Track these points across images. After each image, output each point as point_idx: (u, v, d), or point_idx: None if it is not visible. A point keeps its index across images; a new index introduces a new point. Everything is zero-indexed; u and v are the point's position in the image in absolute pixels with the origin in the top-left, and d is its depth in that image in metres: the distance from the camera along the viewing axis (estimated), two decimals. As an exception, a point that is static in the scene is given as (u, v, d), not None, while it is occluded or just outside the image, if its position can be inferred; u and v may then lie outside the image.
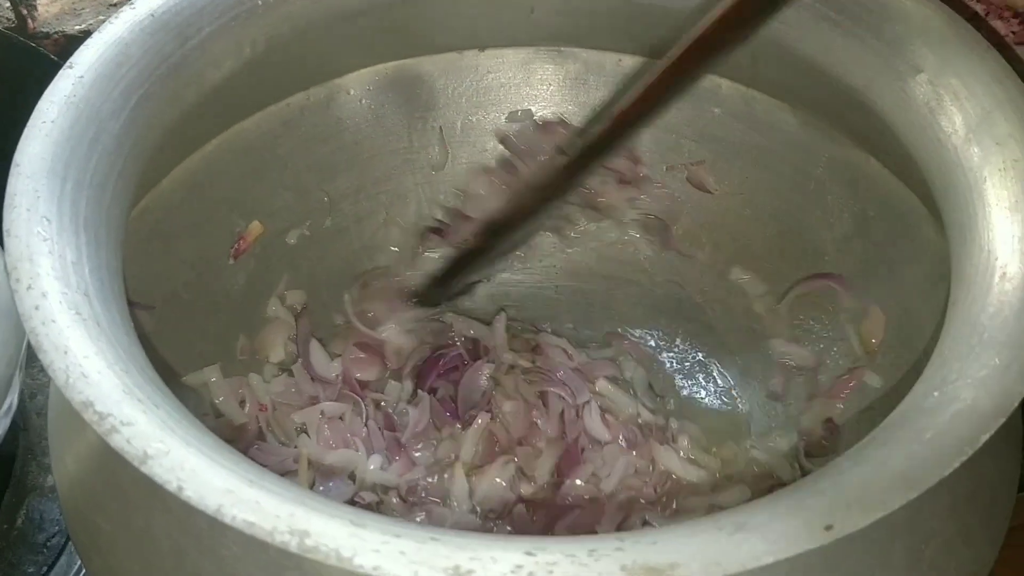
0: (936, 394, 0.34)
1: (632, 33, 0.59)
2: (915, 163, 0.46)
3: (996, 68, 0.43)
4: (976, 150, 0.41)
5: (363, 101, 0.60)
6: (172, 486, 0.30)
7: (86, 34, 0.72)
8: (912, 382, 0.48)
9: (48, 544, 0.55)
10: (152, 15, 0.45)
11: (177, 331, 0.53)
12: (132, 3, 0.46)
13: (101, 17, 0.71)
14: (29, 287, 0.34)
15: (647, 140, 0.62)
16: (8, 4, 0.70)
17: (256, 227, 0.58)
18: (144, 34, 0.45)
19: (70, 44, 0.71)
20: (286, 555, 0.33)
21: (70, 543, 0.55)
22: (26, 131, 0.39)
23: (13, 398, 0.51)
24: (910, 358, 0.51)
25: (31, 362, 0.61)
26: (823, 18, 0.49)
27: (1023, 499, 0.57)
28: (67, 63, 0.42)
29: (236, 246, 0.57)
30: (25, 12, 0.70)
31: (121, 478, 0.38)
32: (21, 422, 0.58)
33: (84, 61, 0.43)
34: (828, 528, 0.29)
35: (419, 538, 0.29)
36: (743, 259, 0.62)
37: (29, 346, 0.60)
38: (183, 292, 0.54)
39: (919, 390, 0.35)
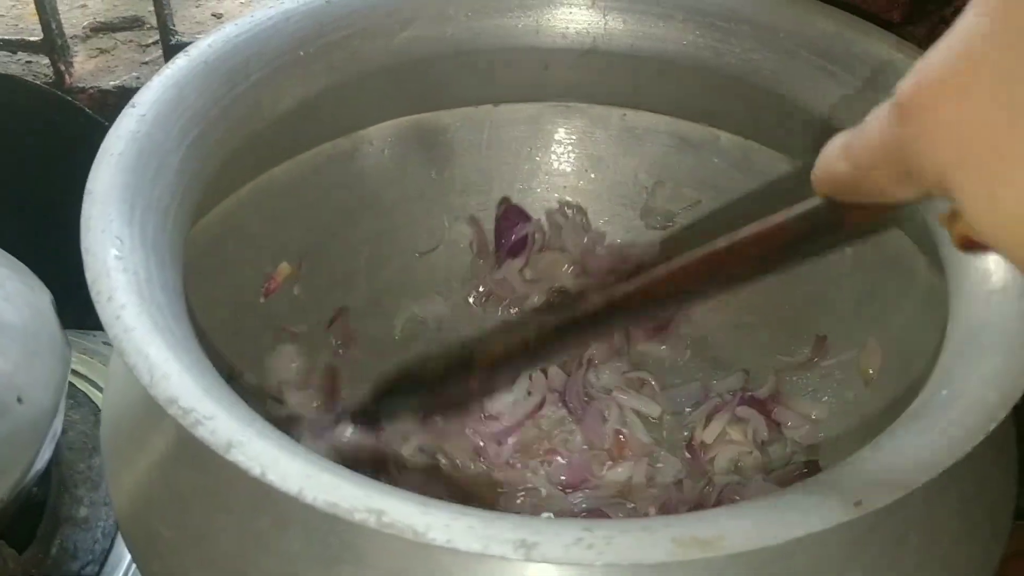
0: (945, 392, 0.37)
1: (638, 89, 0.63)
2: (910, 207, 0.49)
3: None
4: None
5: (385, 152, 0.64)
6: (256, 471, 0.32)
7: (120, 89, 0.77)
8: (909, 401, 0.53)
9: (82, 573, 0.56)
10: (205, 62, 0.49)
11: (215, 363, 0.55)
12: (187, 51, 0.49)
13: (134, 73, 0.75)
14: (109, 299, 0.37)
15: (647, 185, 0.66)
16: (47, 61, 0.73)
17: (285, 268, 0.60)
18: (198, 78, 0.48)
19: (105, 99, 0.75)
20: (347, 549, 0.36)
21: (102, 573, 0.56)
22: (96, 162, 0.43)
23: (58, 425, 0.53)
24: (907, 382, 0.54)
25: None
26: (819, 69, 0.53)
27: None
28: (130, 103, 0.46)
29: (267, 286, 0.60)
30: (63, 68, 0.74)
31: (180, 486, 0.41)
32: (55, 457, 0.60)
33: (145, 101, 0.46)
34: (858, 504, 0.32)
35: (485, 517, 0.32)
36: (743, 301, 0.65)
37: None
38: (219, 328, 0.56)
39: (929, 390, 0.38)
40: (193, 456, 0.40)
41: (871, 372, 0.57)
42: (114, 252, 0.39)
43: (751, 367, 0.64)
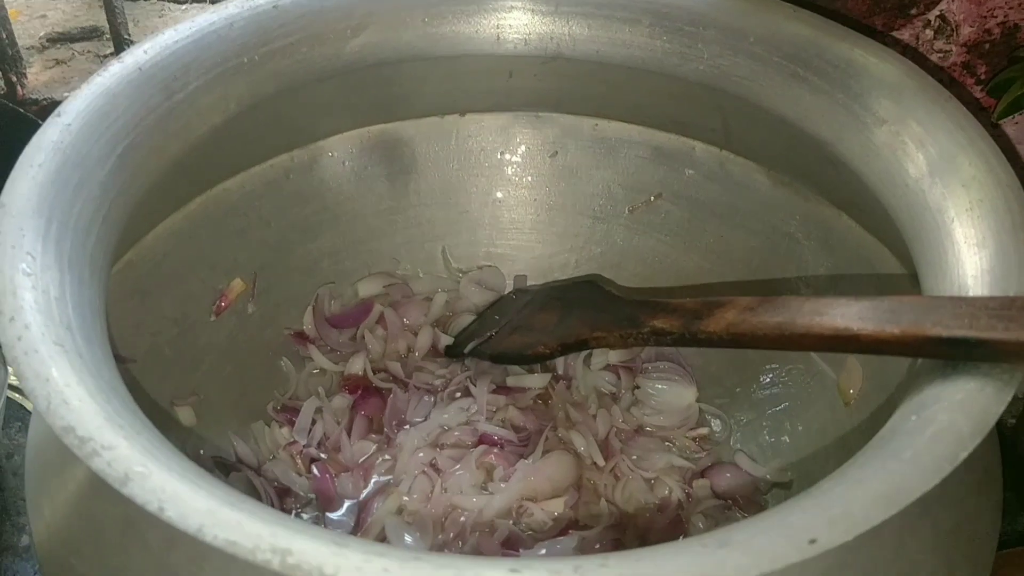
0: (914, 418, 0.34)
1: (608, 98, 0.60)
2: (884, 211, 0.47)
3: (956, 114, 0.45)
4: (942, 192, 0.43)
5: (346, 163, 0.62)
6: (153, 507, 0.29)
7: (73, 101, 0.74)
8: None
9: (19, 605, 0.53)
10: (140, 68, 0.46)
11: (157, 385, 0.52)
12: (120, 57, 0.47)
13: (87, 85, 0.73)
14: (12, 319, 0.34)
15: (620, 198, 0.64)
16: (-1, 72, 0.72)
17: (238, 284, 0.58)
18: (131, 86, 0.46)
19: (57, 110, 0.72)
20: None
21: (42, 605, 0.53)
22: (13, 173, 0.40)
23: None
24: (886, 405, 0.51)
25: (8, 422, 0.60)
26: (792, 76, 0.51)
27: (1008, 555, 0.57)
28: (55, 111, 0.43)
29: (218, 304, 0.57)
30: (15, 79, 0.72)
31: (97, 518, 0.38)
32: (-6, 482, 0.57)
33: (72, 110, 0.43)
34: (812, 542, 0.29)
35: (402, 557, 0.29)
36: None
37: (8, 405, 0.60)
38: (165, 347, 0.54)
39: (897, 416, 0.35)
40: (107, 487, 0.37)
41: (851, 394, 0.54)
42: (23, 268, 0.36)
43: (727, 383, 0.61)
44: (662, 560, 0.29)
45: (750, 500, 0.56)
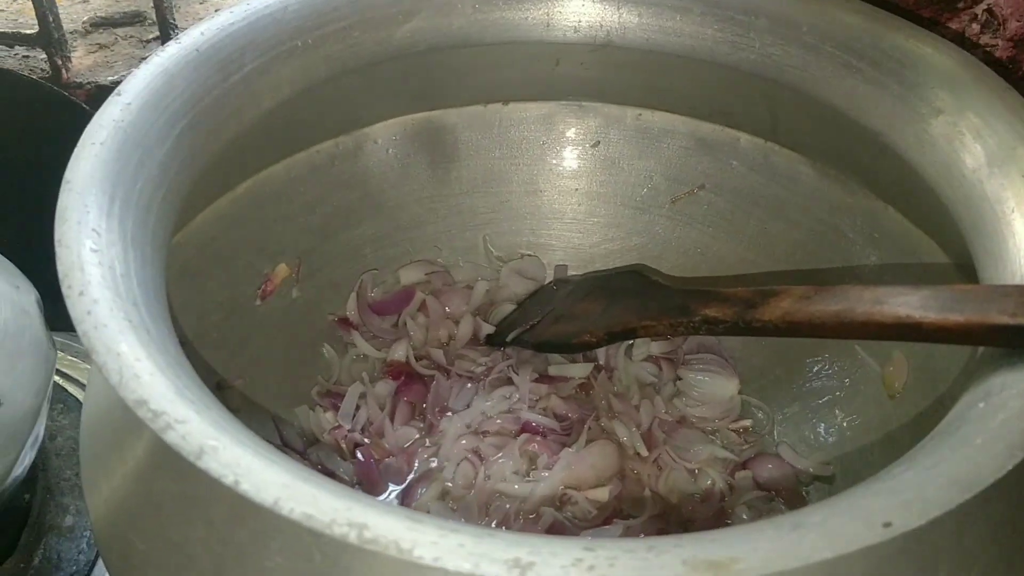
0: (982, 405, 0.34)
1: (653, 88, 0.60)
2: (937, 202, 0.47)
3: (1016, 104, 0.44)
4: (1001, 182, 0.43)
5: (389, 151, 0.62)
6: (229, 480, 0.29)
7: (117, 84, 0.75)
8: (937, 418, 0.50)
9: (65, 584, 0.54)
10: (197, 49, 0.46)
11: (203, 368, 0.53)
12: (178, 38, 0.47)
13: (133, 69, 0.73)
14: (81, 293, 0.35)
15: (662, 189, 0.64)
16: (44, 55, 0.71)
17: (283, 270, 0.58)
18: (189, 67, 0.46)
19: (102, 94, 0.72)
20: (330, 565, 0.33)
21: (87, 583, 0.54)
22: (76, 151, 0.40)
23: (40, 429, 0.50)
24: (933, 399, 0.51)
25: (52, 403, 0.60)
26: (845, 66, 0.50)
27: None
28: (116, 90, 0.43)
29: (263, 288, 0.57)
30: (60, 63, 0.72)
31: (157, 494, 0.38)
32: (40, 463, 0.57)
33: (132, 89, 0.44)
34: (887, 525, 0.29)
35: (477, 533, 0.29)
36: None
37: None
38: (212, 330, 0.54)
39: (963, 404, 0.35)
40: (169, 463, 0.37)
41: (897, 387, 0.54)
42: (89, 245, 0.37)
43: (770, 375, 0.61)
44: (736, 541, 0.29)
45: (793, 492, 0.55)
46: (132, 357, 0.33)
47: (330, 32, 0.51)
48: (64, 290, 0.35)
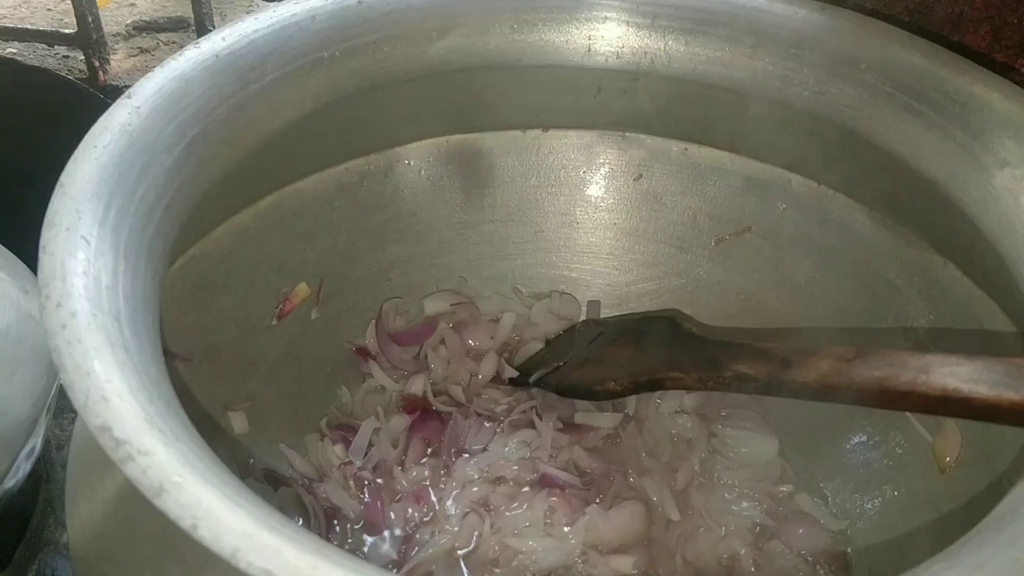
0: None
1: (700, 121, 0.57)
2: (1000, 260, 0.43)
3: (1092, 160, 0.41)
4: (1073, 244, 0.39)
5: (422, 172, 0.59)
6: (186, 523, 0.27)
7: (153, 90, 0.74)
8: (990, 501, 0.45)
9: (55, 604, 0.51)
10: (216, 55, 0.44)
11: (211, 388, 0.50)
12: (197, 43, 0.45)
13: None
14: (58, 305, 0.32)
15: (706, 229, 0.60)
16: (83, 56, 0.70)
17: (303, 289, 0.56)
18: (206, 73, 0.44)
19: (137, 99, 0.71)
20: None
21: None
22: (76, 154, 0.38)
23: (37, 441, 0.48)
24: (987, 477, 0.47)
25: (63, 412, 0.58)
26: (904, 108, 0.47)
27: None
28: (126, 92, 0.41)
29: (281, 307, 0.55)
30: (98, 65, 0.71)
31: (134, 526, 0.36)
32: (45, 473, 0.55)
33: (143, 92, 0.41)
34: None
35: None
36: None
37: (61, 394, 0.58)
38: (223, 348, 0.52)
39: (1019, 492, 0.31)
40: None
41: (948, 461, 0.49)
42: (77, 253, 0.34)
43: (812, 438, 0.57)
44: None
45: (833, 555, 0.51)
46: (103, 378, 0.30)
47: (359, 45, 0.49)
48: (41, 300, 0.33)
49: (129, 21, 0.77)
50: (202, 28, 0.70)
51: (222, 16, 0.73)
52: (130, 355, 0.33)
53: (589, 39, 0.52)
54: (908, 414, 0.52)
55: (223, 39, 0.45)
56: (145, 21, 0.77)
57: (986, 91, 0.45)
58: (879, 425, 0.54)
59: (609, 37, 0.52)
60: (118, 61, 0.73)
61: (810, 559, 0.52)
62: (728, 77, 0.51)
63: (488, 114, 0.58)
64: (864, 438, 0.54)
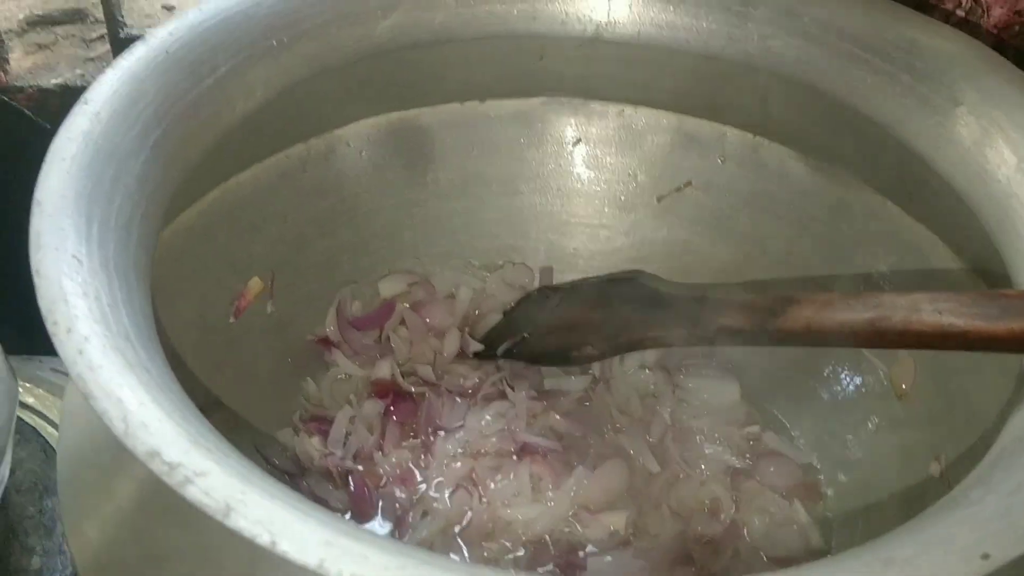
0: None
1: (638, 83, 0.58)
2: (956, 200, 0.45)
3: (1038, 93, 0.43)
4: (1032, 178, 0.41)
5: (363, 153, 0.58)
6: (263, 539, 0.26)
7: (63, 88, 0.70)
8: (950, 420, 0.48)
9: (31, 635, 0.49)
10: (167, 51, 0.43)
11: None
12: (145, 39, 0.43)
13: (78, 71, 0.68)
14: (69, 330, 0.31)
15: (647, 187, 0.61)
16: (-21, 58, 0.66)
17: (256, 284, 0.54)
18: (158, 70, 0.42)
19: (46, 99, 0.67)
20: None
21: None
22: (44, 168, 0.36)
23: (5, 471, 0.46)
24: (943, 397, 0.50)
25: (6, 437, 0.56)
26: (849, 56, 0.49)
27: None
28: (81, 98, 0.39)
29: (236, 304, 0.53)
30: (-4, 65, 0.67)
31: (158, 544, 0.34)
32: (1, 501, 0.53)
33: (99, 96, 0.40)
34: (985, 557, 0.27)
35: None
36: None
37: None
38: (187, 354, 0.50)
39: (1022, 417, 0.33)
40: (173, 511, 0.33)
41: (904, 387, 0.52)
42: (71, 274, 0.33)
43: (773, 379, 0.59)
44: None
45: (810, 490, 0.54)
46: (135, 402, 0.29)
47: (306, 29, 0.48)
48: (49, 327, 0.31)
49: (20, 16, 0.72)
50: (112, 19, 0.66)
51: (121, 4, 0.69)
52: (152, 376, 0.31)
53: (534, 8, 0.52)
54: (864, 350, 0.55)
55: (170, 34, 0.43)
56: (38, 15, 0.72)
57: (929, 36, 0.47)
58: (835, 362, 0.56)
59: (554, 5, 0.52)
60: (17, 60, 0.69)
61: (785, 494, 0.54)
62: (673, 38, 0.52)
63: (428, 89, 0.57)
64: (822, 375, 0.57)
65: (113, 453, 0.37)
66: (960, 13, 0.61)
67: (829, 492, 0.54)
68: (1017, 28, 0.62)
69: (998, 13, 0.62)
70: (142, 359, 0.32)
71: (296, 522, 0.27)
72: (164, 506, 0.34)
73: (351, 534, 0.27)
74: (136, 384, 0.30)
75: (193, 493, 0.27)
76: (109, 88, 0.40)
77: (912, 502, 0.48)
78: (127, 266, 0.36)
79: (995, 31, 0.61)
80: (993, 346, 0.36)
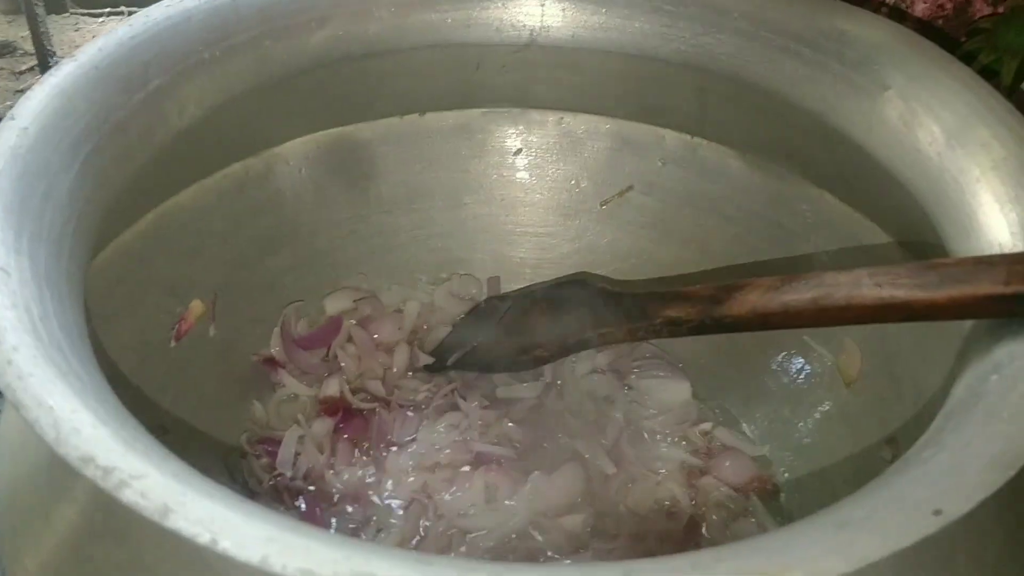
0: (995, 377, 0.32)
1: (575, 90, 0.58)
2: (890, 180, 0.46)
3: (965, 77, 0.44)
4: (961, 154, 0.42)
5: (302, 171, 0.58)
6: (204, 539, 0.25)
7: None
8: (897, 407, 0.48)
9: None
10: (96, 67, 0.42)
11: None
12: (74, 56, 0.42)
13: (8, 103, 0.67)
14: (-3, 341, 0.30)
15: (590, 193, 0.62)
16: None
17: (197, 306, 0.53)
18: (88, 86, 0.41)
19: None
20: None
21: None
22: (-28, 183, 0.35)
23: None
24: (891, 382, 0.50)
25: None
26: (780, 49, 0.49)
27: None
28: (8, 114, 0.38)
29: (177, 328, 0.52)
30: (-78, 100, 0.65)
31: (100, 564, 0.33)
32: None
33: (27, 112, 0.39)
34: (937, 513, 0.27)
35: (496, 571, 0.26)
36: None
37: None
38: (128, 378, 0.49)
39: (970, 379, 0.34)
40: (115, 526, 0.32)
41: (852, 374, 0.53)
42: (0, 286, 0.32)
43: (721, 375, 0.59)
44: (781, 548, 0.26)
45: (763, 481, 0.54)
46: (67, 409, 0.28)
47: (239, 43, 0.47)
48: (-25, 340, 0.30)
49: (-56, 51, 0.71)
50: (41, 49, 0.66)
51: (50, 36, 0.68)
52: (84, 385, 0.31)
53: (468, 16, 0.52)
54: (808, 339, 0.55)
55: (100, 49, 0.42)
56: (-35, 49, 0.71)
57: (857, 25, 0.47)
58: (782, 354, 0.57)
59: (488, 12, 0.52)
60: (-55, 95, 0.68)
61: (741, 488, 0.54)
62: (606, 40, 0.53)
63: (365, 104, 0.57)
64: (771, 368, 0.57)
65: (51, 473, 0.36)
66: (884, 9, 0.63)
67: (784, 481, 0.54)
68: (940, 22, 0.64)
69: (921, 7, 0.63)
70: (74, 368, 0.31)
71: (237, 520, 0.26)
72: (106, 524, 0.33)
73: (294, 529, 0.26)
74: (68, 392, 0.29)
75: (129, 496, 0.26)
76: (37, 104, 0.39)
77: (867, 487, 0.48)
78: (59, 278, 0.35)
79: (919, 24, 0.63)
80: (934, 314, 0.36)
